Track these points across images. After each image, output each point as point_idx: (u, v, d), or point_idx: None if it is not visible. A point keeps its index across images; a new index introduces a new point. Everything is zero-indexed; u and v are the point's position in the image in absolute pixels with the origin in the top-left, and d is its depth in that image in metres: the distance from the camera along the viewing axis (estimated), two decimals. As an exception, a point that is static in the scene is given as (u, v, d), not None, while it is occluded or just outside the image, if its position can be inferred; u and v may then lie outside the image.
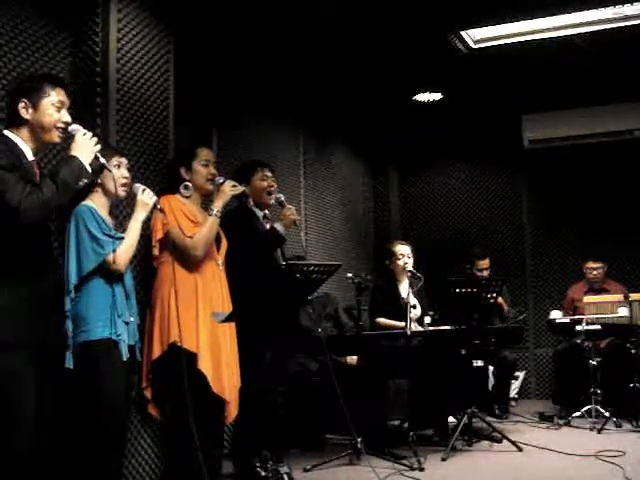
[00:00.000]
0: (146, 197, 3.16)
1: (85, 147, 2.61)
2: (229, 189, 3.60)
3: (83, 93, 3.47)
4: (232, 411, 3.51)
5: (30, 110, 2.59)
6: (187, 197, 3.57)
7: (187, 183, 3.57)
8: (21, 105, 2.58)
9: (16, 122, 2.60)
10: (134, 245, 3.09)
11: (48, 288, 2.63)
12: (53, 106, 2.61)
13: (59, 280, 2.85)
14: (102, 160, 2.76)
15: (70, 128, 2.65)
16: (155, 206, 3.19)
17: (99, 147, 2.68)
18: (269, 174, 4.01)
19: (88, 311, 2.95)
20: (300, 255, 4.93)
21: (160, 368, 3.36)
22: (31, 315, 2.49)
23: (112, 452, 2.96)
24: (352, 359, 5.00)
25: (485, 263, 6.14)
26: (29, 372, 2.47)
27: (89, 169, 2.60)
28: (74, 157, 2.57)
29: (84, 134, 2.64)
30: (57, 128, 2.63)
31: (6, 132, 2.60)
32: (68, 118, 2.66)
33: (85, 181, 2.60)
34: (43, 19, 3.36)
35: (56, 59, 3.43)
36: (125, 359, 3.01)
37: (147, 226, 3.49)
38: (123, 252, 2.99)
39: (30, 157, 2.61)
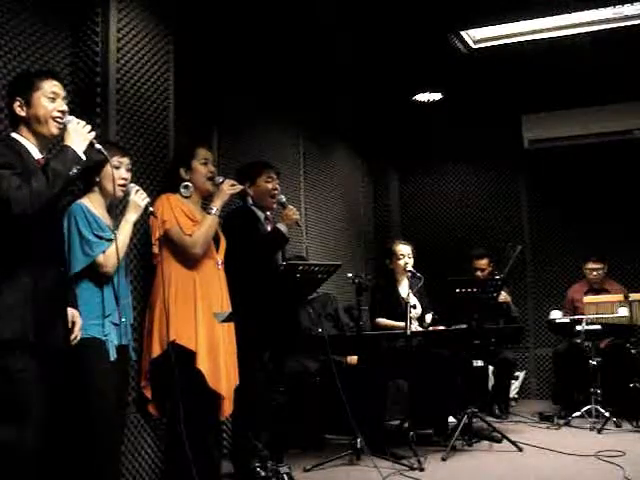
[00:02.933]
0: (138, 198, 3.12)
1: (77, 135, 2.58)
2: (228, 188, 3.59)
3: (83, 93, 3.47)
4: (227, 407, 3.51)
5: (25, 107, 2.59)
6: (187, 197, 3.57)
7: (187, 183, 3.57)
8: (16, 104, 2.60)
9: (17, 122, 2.62)
10: (124, 247, 3.05)
11: (53, 285, 2.60)
12: (46, 97, 2.61)
13: (64, 276, 2.81)
14: (98, 146, 2.70)
15: (65, 119, 2.63)
16: (147, 208, 3.16)
17: (93, 134, 2.64)
18: (274, 176, 4.01)
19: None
20: (301, 255, 4.93)
21: (160, 367, 3.35)
22: (36, 313, 2.48)
23: (106, 451, 2.94)
24: (352, 359, 5.00)
25: (483, 263, 6.16)
26: (34, 371, 2.46)
27: (82, 157, 2.56)
28: (66, 146, 2.55)
29: (77, 123, 2.61)
30: (54, 119, 2.61)
31: (13, 134, 2.62)
32: (64, 107, 2.65)
33: (78, 168, 2.53)
34: (43, 19, 3.36)
35: (56, 59, 3.43)
36: (113, 359, 2.97)
37: (147, 226, 3.50)
38: (112, 254, 2.93)
39: (37, 155, 2.61)
